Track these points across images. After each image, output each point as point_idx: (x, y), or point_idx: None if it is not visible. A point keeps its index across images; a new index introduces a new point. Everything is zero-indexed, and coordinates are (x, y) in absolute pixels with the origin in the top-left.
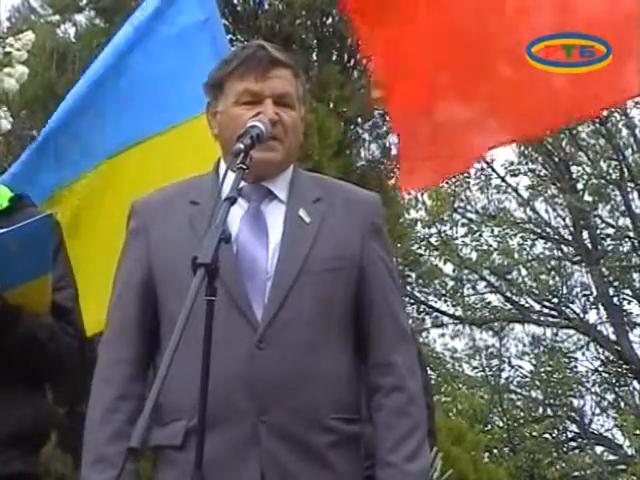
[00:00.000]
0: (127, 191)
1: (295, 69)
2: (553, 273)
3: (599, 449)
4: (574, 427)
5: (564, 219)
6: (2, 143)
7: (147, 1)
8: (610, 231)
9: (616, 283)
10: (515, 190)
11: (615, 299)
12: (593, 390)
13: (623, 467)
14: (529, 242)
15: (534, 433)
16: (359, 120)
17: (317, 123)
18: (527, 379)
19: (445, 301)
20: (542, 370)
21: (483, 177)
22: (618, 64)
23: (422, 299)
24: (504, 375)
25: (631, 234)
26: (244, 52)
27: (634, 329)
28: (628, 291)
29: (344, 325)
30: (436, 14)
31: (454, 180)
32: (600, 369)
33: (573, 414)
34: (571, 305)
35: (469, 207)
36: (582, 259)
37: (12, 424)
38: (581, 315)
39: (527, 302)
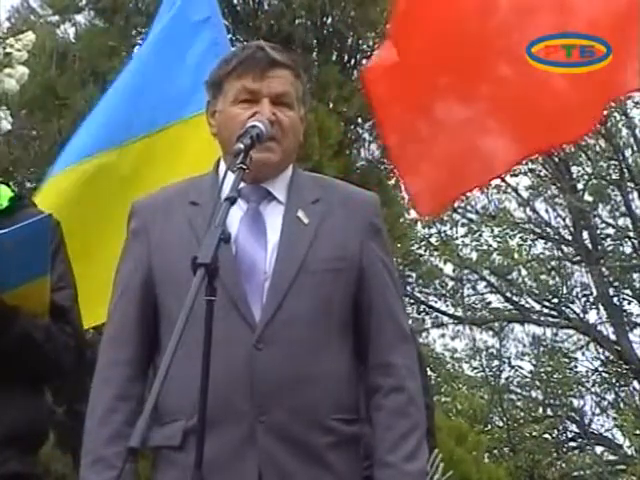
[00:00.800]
0: (127, 186)
1: (295, 69)
2: (553, 273)
3: (599, 449)
4: (574, 427)
5: (564, 219)
6: (2, 143)
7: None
8: (610, 231)
9: (616, 283)
10: (515, 190)
11: (615, 299)
12: (593, 390)
13: (623, 467)
14: (529, 242)
15: (534, 433)
16: (359, 120)
17: (317, 123)
18: (527, 379)
19: (445, 301)
20: (542, 370)
21: None
22: (618, 64)
23: (422, 299)
24: (504, 375)
25: (631, 234)
26: (244, 52)
27: (634, 329)
28: (628, 291)
29: (343, 325)
30: (436, 14)
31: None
32: (600, 369)
33: (573, 414)
34: (571, 305)
35: (469, 207)
36: (582, 259)
37: (9, 424)
38: (581, 315)
39: (527, 302)
